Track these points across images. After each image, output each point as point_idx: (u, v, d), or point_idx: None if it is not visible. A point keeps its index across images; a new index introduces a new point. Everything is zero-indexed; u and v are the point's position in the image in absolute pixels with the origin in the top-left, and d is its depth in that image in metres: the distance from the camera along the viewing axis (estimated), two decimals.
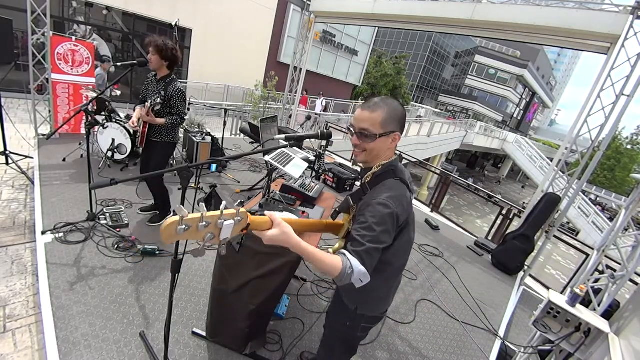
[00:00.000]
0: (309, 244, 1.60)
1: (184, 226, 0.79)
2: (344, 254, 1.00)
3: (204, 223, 0.83)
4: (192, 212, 0.85)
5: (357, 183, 5.62)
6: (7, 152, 3.75)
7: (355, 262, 0.98)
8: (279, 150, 2.33)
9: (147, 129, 2.78)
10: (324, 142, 4.63)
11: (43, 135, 4.50)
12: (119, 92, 5.23)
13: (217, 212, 0.85)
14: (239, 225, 0.90)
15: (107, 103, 4.04)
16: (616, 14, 3.41)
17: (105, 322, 1.94)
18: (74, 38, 4.41)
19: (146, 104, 2.73)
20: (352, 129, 1.17)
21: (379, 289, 1.32)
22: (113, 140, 3.89)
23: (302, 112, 9.75)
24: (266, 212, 0.98)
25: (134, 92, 9.64)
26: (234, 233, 0.90)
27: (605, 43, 3.60)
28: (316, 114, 11.34)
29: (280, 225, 0.95)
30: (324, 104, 10.11)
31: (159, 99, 2.67)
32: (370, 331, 2.41)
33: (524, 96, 41.50)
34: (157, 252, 2.64)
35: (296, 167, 2.31)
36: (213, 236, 0.86)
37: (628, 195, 3.49)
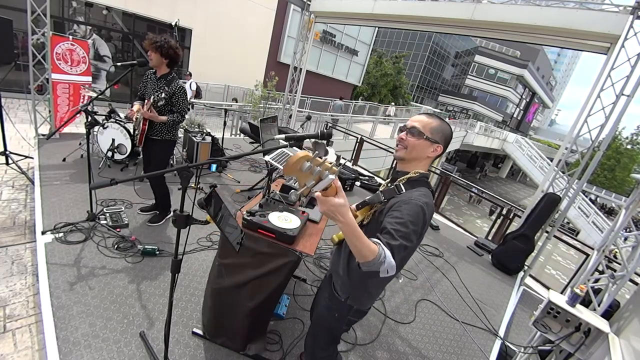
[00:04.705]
0: (309, 245, 1.62)
1: (309, 163, 0.83)
2: (380, 243, 1.03)
3: (318, 169, 0.86)
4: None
5: (357, 183, 5.65)
6: (7, 152, 3.74)
7: (389, 254, 1.02)
8: (279, 150, 2.33)
9: (147, 127, 2.77)
10: (324, 142, 4.62)
11: (43, 135, 4.50)
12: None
13: (329, 164, 0.89)
14: (330, 182, 0.93)
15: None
16: (616, 14, 3.41)
17: (105, 322, 1.94)
18: (71, 37, 4.41)
19: (147, 100, 2.71)
20: (403, 127, 1.26)
21: (375, 286, 1.39)
22: (113, 140, 3.89)
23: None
24: (335, 179, 0.98)
25: (134, 92, 9.64)
26: (325, 187, 0.93)
27: (605, 43, 3.60)
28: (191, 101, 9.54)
29: (344, 197, 0.99)
30: (193, 87, 8.18)
31: (163, 94, 2.64)
32: (370, 331, 2.43)
33: (524, 96, 41.48)
34: (157, 252, 2.64)
35: None
36: (314, 184, 0.89)
37: (628, 195, 3.49)
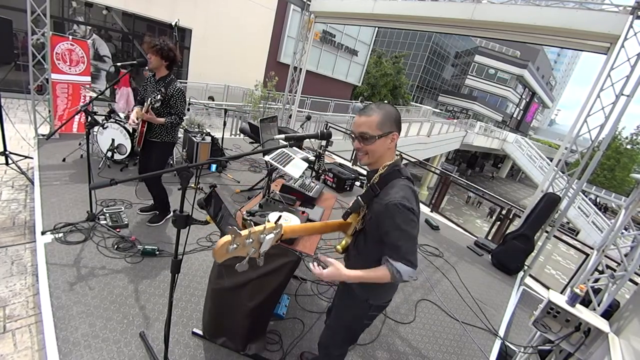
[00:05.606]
0: (309, 245, 1.64)
1: (235, 245, 0.86)
2: (388, 260, 1.14)
3: (250, 239, 0.90)
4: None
5: (357, 183, 5.65)
6: (7, 152, 3.74)
7: (399, 265, 1.12)
8: (279, 150, 2.33)
9: (145, 129, 2.78)
10: (323, 142, 4.63)
11: (43, 135, 4.49)
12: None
13: (261, 228, 0.93)
14: (276, 236, 0.99)
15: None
16: (616, 14, 3.40)
17: (105, 322, 1.94)
18: (70, 37, 4.41)
19: (145, 102, 2.71)
20: (352, 135, 1.26)
21: None
22: (113, 140, 3.89)
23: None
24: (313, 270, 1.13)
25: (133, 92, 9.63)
26: (272, 244, 0.99)
27: (605, 43, 3.60)
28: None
29: (334, 264, 1.15)
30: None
31: (159, 96, 2.64)
32: (370, 331, 2.43)
33: (523, 96, 41.50)
34: (157, 252, 2.64)
35: (296, 167, 2.31)
36: (255, 250, 0.93)
37: (628, 195, 3.49)
